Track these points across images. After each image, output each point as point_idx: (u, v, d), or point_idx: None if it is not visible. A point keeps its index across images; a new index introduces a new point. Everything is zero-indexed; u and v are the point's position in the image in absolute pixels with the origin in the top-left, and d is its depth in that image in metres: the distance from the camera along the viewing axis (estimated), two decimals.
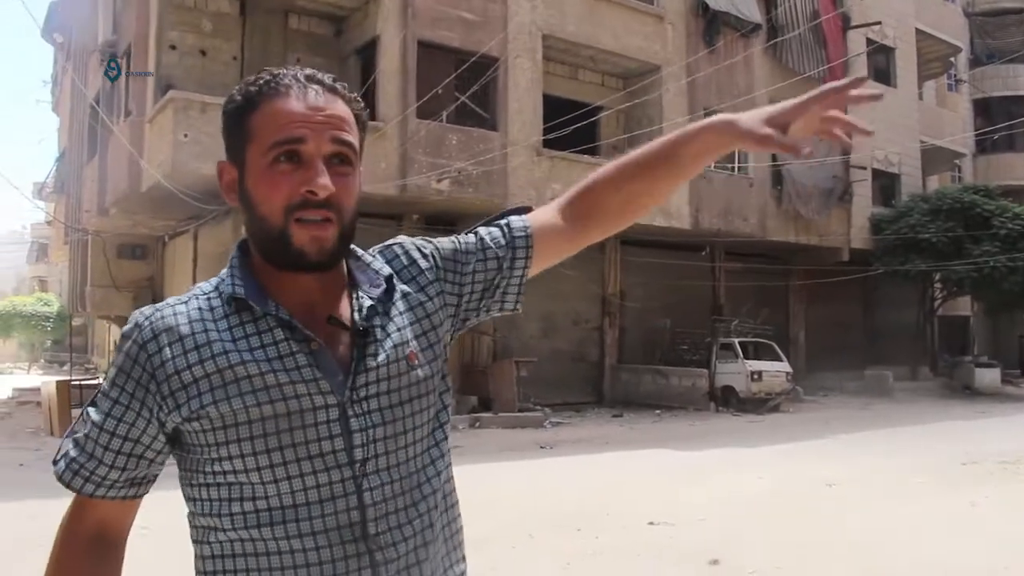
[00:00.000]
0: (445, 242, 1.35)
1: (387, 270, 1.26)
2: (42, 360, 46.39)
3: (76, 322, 30.28)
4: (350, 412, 1.15)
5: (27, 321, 43.66)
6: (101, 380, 15.89)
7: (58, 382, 14.13)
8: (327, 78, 1.21)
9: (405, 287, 1.27)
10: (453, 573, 1.27)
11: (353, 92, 1.25)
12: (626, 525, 6.72)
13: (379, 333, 1.20)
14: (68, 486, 1.19)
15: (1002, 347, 31.23)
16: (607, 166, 1.35)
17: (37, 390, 20.73)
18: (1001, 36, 31.44)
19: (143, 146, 14.42)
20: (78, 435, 1.19)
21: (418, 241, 1.35)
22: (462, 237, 1.36)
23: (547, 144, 16.12)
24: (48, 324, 43.88)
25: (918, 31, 25.95)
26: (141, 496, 1.24)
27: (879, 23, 23.31)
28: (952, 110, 30.49)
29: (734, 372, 17.95)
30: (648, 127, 17.71)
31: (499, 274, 1.33)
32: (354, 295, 1.22)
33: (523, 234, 1.34)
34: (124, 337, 1.18)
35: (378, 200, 14.75)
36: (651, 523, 6.91)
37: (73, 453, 1.18)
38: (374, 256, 1.30)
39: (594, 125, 17.60)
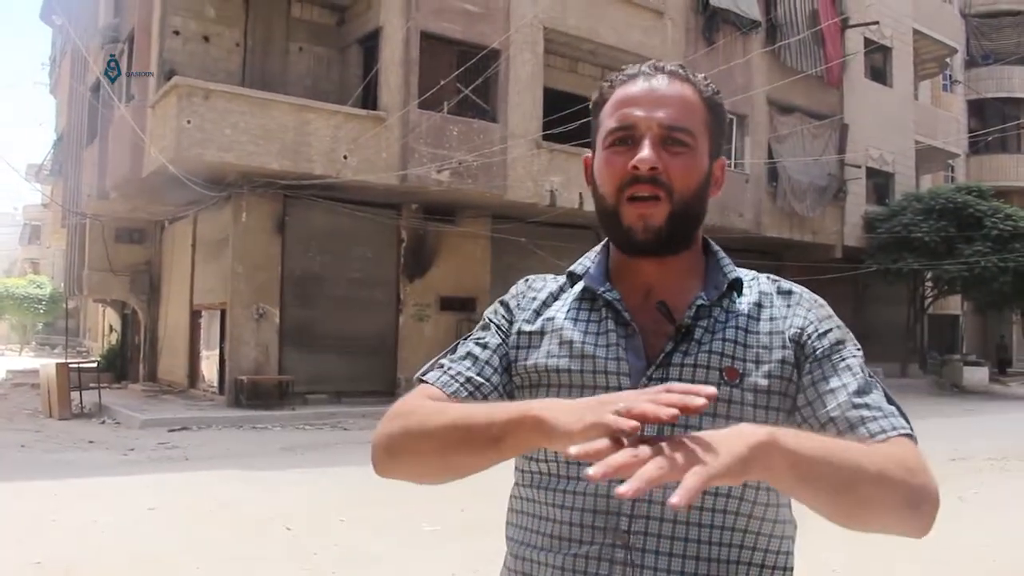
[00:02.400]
0: (837, 331, 1.19)
1: (735, 275, 1.22)
2: (33, 342, 46.29)
3: (69, 305, 30.25)
4: None
5: (19, 303, 43.57)
6: (96, 363, 15.87)
7: (57, 364, 14.20)
8: (671, 65, 1.22)
9: (757, 303, 1.20)
10: None
11: (703, 76, 1.24)
12: None
13: (699, 334, 1.16)
14: (443, 388, 1.20)
15: (990, 346, 31.54)
16: None
17: (31, 372, 20.81)
18: (997, 38, 31.67)
19: (145, 131, 14.47)
20: (444, 358, 1.26)
21: (823, 305, 1.22)
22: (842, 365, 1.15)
23: (546, 137, 16.23)
24: (40, 307, 43.79)
25: (915, 31, 26.12)
26: (469, 393, 1.21)
27: (877, 23, 23.47)
28: (947, 110, 30.70)
29: None
30: None
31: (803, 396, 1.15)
32: (698, 292, 1.19)
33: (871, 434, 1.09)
34: (514, 286, 1.34)
35: (379, 189, 14.86)
36: None
37: (456, 367, 1.23)
38: (751, 276, 1.25)
39: None
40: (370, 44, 15.60)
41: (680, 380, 1.12)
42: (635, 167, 1.14)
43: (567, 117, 15.64)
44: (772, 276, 1.26)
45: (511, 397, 1.23)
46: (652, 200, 1.15)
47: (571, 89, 17.78)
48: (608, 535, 1.11)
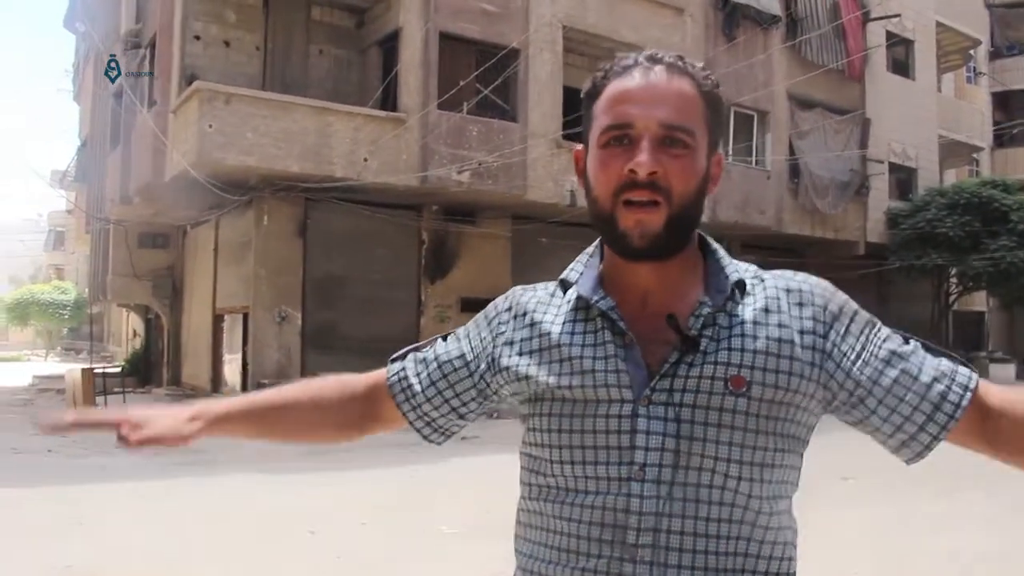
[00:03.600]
0: (858, 321, 1.19)
1: (737, 276, 1.18)
2: (59, 348, 46.80)
3: (93, 310, 30.54)
4: (641, 412, 1.11)
5: (44, 309, 44.09)
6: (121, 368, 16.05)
7: (83, 369, 14.36)
8: (669, 56, 1.16)
9: (764, 308, 1.16)
10: None
11: (700, 66, 1.19)
12: None
13: (705, 344, 1.12)
14: (389, 389, 1.35)
15: (1017, 342, 31.12)
16: None
17: (56, 377, 21.01)
18: (1022, 28, 31.24)
19: (167, 136, 14.58)
20: (419, 353, 1.36)
21: (834, 293, 1.20)
22: (877, 333, 1.19)
23: (566, 137, 16.19)
24: (65, 312, 44.29)
25: (938, 23, 25.81)
26: (429, 440, 1.36)
27: (898, 16, 23.22)
28: (971, 103, 30.34)
29: None
30: None
31: (872, 412, 1.17)
32: (700, 298, 1.15)
33: (955, 404, 1.15)
34: (494, 302, 1.34)
35: (399, 191, 14.88)
36: None
37: (407, 367, 1.35)
38: (751, 274, 1.22)
39: None
40: (389, 46, 15.63)
41: (685, 391, 1.11)
42: (632, 171, 1.10)
43: None
44: (775, 273, 1.22)
45: (479, 403, 1.31)
46: (650, 205, 1.11)
47: None
48: (616, 549, 1.10)
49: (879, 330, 1.19)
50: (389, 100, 15.21)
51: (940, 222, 21.99)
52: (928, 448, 1.17)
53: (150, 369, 21.01)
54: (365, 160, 14.32)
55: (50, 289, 45.78)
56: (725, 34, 19.17)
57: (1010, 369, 24.52)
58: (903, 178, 25.03)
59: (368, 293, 15.60)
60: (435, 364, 1.31)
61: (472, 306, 16.45)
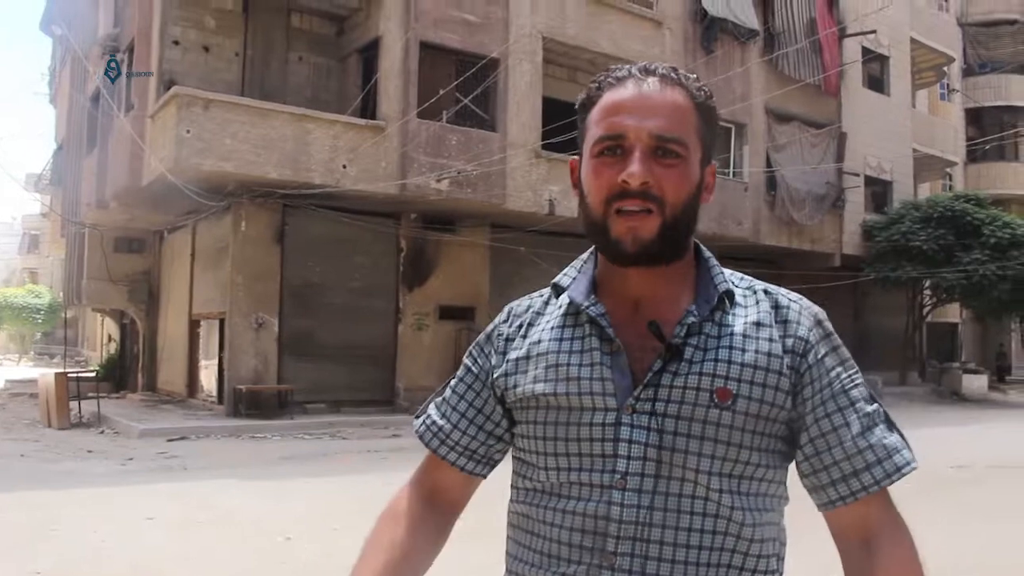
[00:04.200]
0: (834, 356, 1.17)
1: (725, 286, 1.18)
2: (32, 352, 46.25)
3: (67, 315, 30.23)
4: (624, 421, 1.11)
5: (17, 313, 43.56)
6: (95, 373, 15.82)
7: (56, 374, 14.18)
8: (662, 67, 1.18)
9: (756, 322, 1.16)
10: None
11: (694, 77, 1.20)
12: None
13: (690, 353, 1.12)
14: (421, 439, 1.33)
15: (989, 354, 31.55)
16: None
17: (30, 382, 20.78)
18: (994, 46, 31.76)
19: (145, 140, 14.49)
20: (439, 398, 1.35)
21: (820, 322, 1.19)
22: (836, 378, 1.15)
23: (545, 146, 16.25)
24: (38, 316, 43.78)
25: (912, 40, 26.22)
26: (476, 474, 1.31)
27: (874, 32, 23.54)
28: (944, 119, 30.77)
29: None
30: None
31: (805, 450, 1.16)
32: (688, 307, 1.15)
33: (875, 480, 1.13)
34: (496, 319, 1.33)
35: (378, 199, 14.87)
36: None
37: (432, 412, 1.34)
38: (746, 285, 1.22)
39: None
40: (369, 54, 15.63)
41: (669, 401, 1.10)
42: (625, 182, 1.11)
43: (566, 126, 15.68)
44: (769, 288, 1.21)
45: (510, 419, 1.27)
46: (643, 213, 1.11)
47: (570, 98, 17.70)
48: (595, 555, 1.10)
49: (853, 374, 1.17)
50: (368, 108, 15.21)
51: (915, 235, 22.28)
52: (828, 505, 1.16)
53: (125, 374, 20.82)
54: (344, 167, 14.30)
55: (24, 293, 45.25)
56: (703, 47, 19.34)
57: (982, 379, 24.82)
58: (878, 191, 25.34)
59: (346, 300, 15.56)
60: (455, 396, 1.31)
61: (450, 314, 16.46)
